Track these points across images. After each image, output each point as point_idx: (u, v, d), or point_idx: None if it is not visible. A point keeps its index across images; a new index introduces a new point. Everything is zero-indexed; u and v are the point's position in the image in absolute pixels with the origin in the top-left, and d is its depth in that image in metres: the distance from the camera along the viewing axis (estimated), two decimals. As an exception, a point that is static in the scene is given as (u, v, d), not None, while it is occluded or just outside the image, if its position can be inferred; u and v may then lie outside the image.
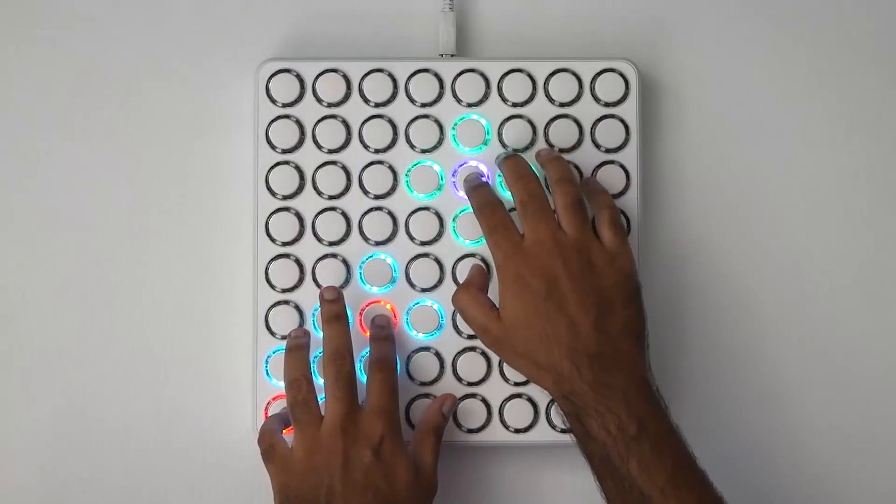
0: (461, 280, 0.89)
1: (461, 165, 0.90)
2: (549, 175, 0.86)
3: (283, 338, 0.88)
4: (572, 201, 0.84)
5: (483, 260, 0.89)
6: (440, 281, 0.90)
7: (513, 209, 0.86)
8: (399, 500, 0.83)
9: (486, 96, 0.90)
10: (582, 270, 0.82)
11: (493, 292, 0.86)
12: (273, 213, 0.89)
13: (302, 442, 0.84)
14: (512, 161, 0.87)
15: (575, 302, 0.82)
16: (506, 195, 0.88)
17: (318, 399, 0.85)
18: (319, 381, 0.86)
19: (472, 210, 0.87)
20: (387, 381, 0.85)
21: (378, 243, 0.90)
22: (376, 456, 0.83)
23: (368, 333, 0.88)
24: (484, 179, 0.89)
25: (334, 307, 0.87)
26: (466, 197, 0.88)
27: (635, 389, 0.81)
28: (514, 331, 0.83)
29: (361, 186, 0.90)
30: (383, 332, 0.88)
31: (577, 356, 0.81)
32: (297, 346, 0.87)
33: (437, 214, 0.90)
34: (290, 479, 0.83)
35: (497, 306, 0.84)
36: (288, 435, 0.86)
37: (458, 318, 0.89)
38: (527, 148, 0.90)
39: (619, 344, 0.82)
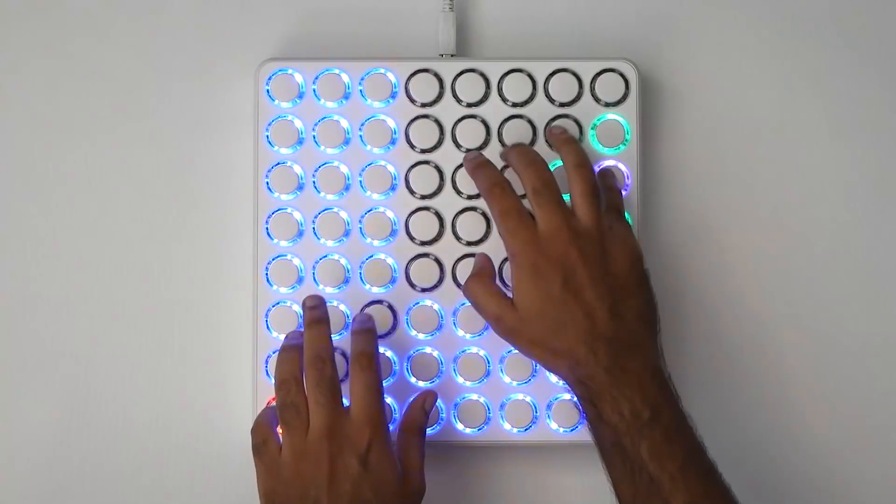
0: (461, 280, 0.89)
1: (461, 166, 0.90)
2: (564, 159, 0.86)
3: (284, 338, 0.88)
4: (590, 189, 0.84)
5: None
6: (440, 281, 0.90)
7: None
8: None
9: (486, 96, 0.90)
10: (597, 258, 0.82)
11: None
12: (273, 213, 0.89)
13: (290, 446, 0.83)
14: (520, 148, 0.87)
15: (591, 290, 0.82)
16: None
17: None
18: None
19: (470, 205, 0.87)
20: (369, 383, 0.84)
21: (378, 243, 0.90)
22: (363, 465, 0.82)
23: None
24: (485, 157, 0.88)
25: (315, 312, 0.86)
26: (470, 176, 0.87)
27: (650, 375, 0.81)
28: (529, 319, 0.83)
29: (361, 186, 0.90)
30: (364, 325, 0.87)
31: (594, 341, 0.81)
32: (289, 347, 0.86)
33: (437, 214, 0.90)
34: (277, 485, 0.83)
35: (508, 294, 0.84)
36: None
37: (458, 318, 0.89)
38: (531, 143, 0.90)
39: (634, 329, 0.82)
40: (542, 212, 0.83)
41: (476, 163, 0.87)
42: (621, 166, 0.89)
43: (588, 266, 0.82)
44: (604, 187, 0.87)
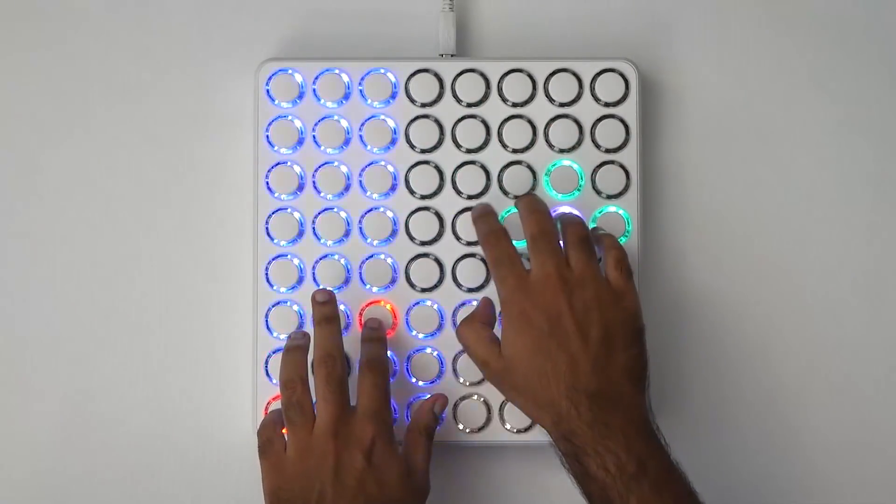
0: (461, 280, 0.89)
1: (462, 166, 0.90)
2: (560, 218, 0.87)
3: (285, 338, 0.88)
4: (581, 238, 0.84)
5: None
6: (440, 281, 0.90)
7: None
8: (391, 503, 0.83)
9: (486, 96, 0.90)
10: (586, 308, 0.82)
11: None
12: (273, 213, 0.89)
13: (295, 444, 0.84)
14: (528, 197, 0.87)
15: (577, 340, 0.81)
16: None
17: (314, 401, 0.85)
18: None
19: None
20: (378, 384, 0.85)
21: (378, 243, 0.90)
22: (368, 460, 0.82)
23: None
24: (492, 210, 0.88)
25: (325, 309, 0.86)
26: (473, 223, 0.88)
27: (634, 429, 0.80)
28: (514, 366, 0.82)
29: (361, 186, 0.90)
30: (375, 334, 0.88)
31: (576, 395, 0.80)
32: (295, 348, 0.86)
33: (437, 214, 0.90)
34: (282, 482, 0.83)
35: (500, 341, 0.84)
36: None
37: (458, 319, 0.89)
38: (527, 148, 0.90)
39: (619, 384, 0.81)
40: (535, 259, 0.83)
41: (479, 213, 0.88)
42: (621, 166, 0.89)
43: (575, 315, 0.82)
44: (597, 237, 0.87)
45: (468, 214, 0.89)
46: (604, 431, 0.79)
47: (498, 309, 0.87)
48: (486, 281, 0.89)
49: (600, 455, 0.79)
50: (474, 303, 0.89)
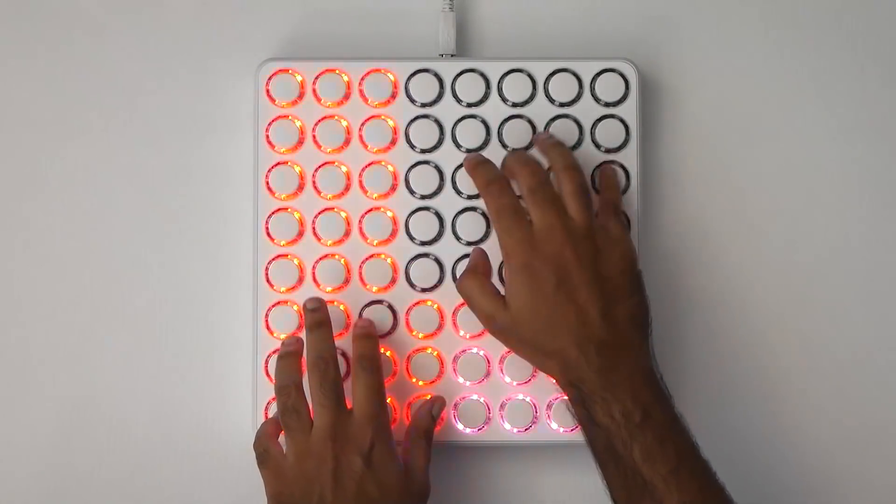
0: (461, 280, 0.89)
1: (461, 167, 0.90)
2: (552, 162, 0.86)
3: (284, 338, 0.88)
4: (578, 187, 0.84)
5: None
6: (440, 281, 0.90)
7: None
8: None
9: (486, 96, 0.90)
10: (591, 259, 0.82)
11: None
12: (273, 213, 0.89)
13: (293, 448, 0.84)
14: (517, 154, 0.87)
15: (584, 290, 0.81)
16: None
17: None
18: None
19: (474, 194, 0.87)
20: (372, 384, 0.85)
21: (378, 243, 0.90)
22: (367, 463, 0.82)
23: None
24: (486, 157, 0.88)
25: (316, 315, 0.86)
26: (469, 175, 0.87)
27: (641, 377, 0.81)
28: (521, 319, 0.82)
29: (361, 186, 0.90)
30: (364, 330, 0.87)
31: (585, 343, 0.81)
32: (287, 354, 0.86)
33: (437, 214, 0.90)
34: (283, 486, 0.83)
35: (502, 293, 0.84)
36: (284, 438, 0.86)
37: (458, 318, 0.89)
38: (527, 148, 0.90)
39: (626, 332, 0.82)
40: (537, 210, 0.83)
41: (475, 161, 0.87)
42: (621, 166, 0.89)
43: (582, 267, 0.82)
44: (603, 185, 0.87)
45: (468, 214, 0.89)
46: (611, 378, 0.80)
47: (495, 261, 0.87)
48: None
49: (607, 402, 0.80)
50: (474, 303, 0.89)
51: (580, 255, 0.82)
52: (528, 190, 0.84)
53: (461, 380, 0.89)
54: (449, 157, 0.90)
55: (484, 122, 0.90)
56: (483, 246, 0.89)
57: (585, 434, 0.82)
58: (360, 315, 0.89)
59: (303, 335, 0.87)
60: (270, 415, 0.88)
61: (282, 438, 0.86)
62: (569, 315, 0.81)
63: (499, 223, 0.84)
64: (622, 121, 0.90)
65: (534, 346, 0.83)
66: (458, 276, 0.88)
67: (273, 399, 0.88)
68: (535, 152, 0.89)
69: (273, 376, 0.86)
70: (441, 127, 0.90)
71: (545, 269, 0.82)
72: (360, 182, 0.90)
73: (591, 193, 0.85)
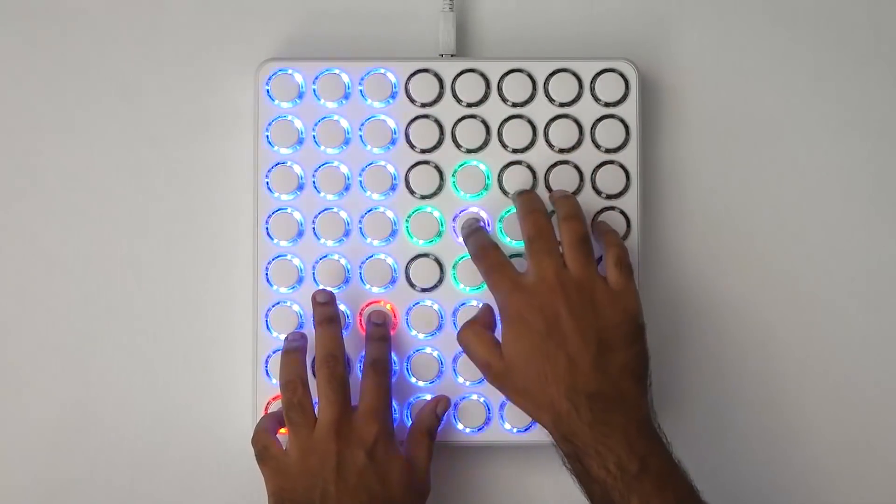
0: (461, 280, 0.89)
1: (462, 166, 0.90)
2: (557, 212, 0.86)
3: (284, 338, 0.88)
4: (579, 238, 0.84)
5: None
6: (440, 281, 0.90)
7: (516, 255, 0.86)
8: (393, 501, 0.83)
9: (486, 96, 0.90)
10: (583, 309, 0.82)
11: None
12: (273, 213, 0.89)
13: (296, 444, 0.84)
14: (525, 196, 0.87)
15: (575, 340, 0.81)
16: (504, 241, 0.89)
17: (314, 401, 0.85)
18: (319, 382, 0.86)
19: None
20: (380, 384, 0.85)
21: (378, 243, 0.90)
22: (370, 458, 0.83)
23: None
24: (480, 224, 0.89)
25: (326, 310, 0.87)
26: (463, 243, 0.88)
27: (636, 428, 0.80)
28: (514, 368, 0.82)
29: (361, 186, 0.90)
30: (379, 332, 0.88)
31: (576, 396, 0.80)
32: (293, 349, 0.86)
33: (438, 214, 0.90)
34: (285, 482, 0.83)
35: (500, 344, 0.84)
36: (282, 436, 0.86)
37: (458, 319, 0.89)
38: (527, 148, 0.90)
39: (619, 384, 0.81)
40: (532, 260, 0.84)
41: (468, 230, 0.88)
42: (621, 166, 0.89)
43: (573, 316, 0.81)
44: (599, 233, 0.87)
45: (468, 214, 0.89)
46: (604, 431, 0.79)
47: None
48: (486, 281, 0.89)
49: (601, 455, 0.79)
50: (474, 303, 0.89)
51: (572, 304, 0.82)
52: (528, 239, 0.84)
53: (461, 380, 0.89)
54: (449, 157, 0.90)
55: (484, 122, 0.90)
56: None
57: (583, 488, 0.81)
58: (360, 315, 0.89)
59: (308, 328, 0.88)
60: (265, 415, 0.88)
61: (281, 436, 0.86)
62: (559, 365, 0.81)
63: (489, 280, 0.85)
64: (622, 121, 0.90)
65: (526, 397, 0.83)
66: (462, 280, 0.88)
67: (273, 399, 0.88)
68: (540, 145, 0.89)
69: (278, 371, 0.86)
70: (441, 127, 0.90)
71: (536, 319, 0.82)
72: (360, 182, 0.90)
73: (591, 245, 0.85)
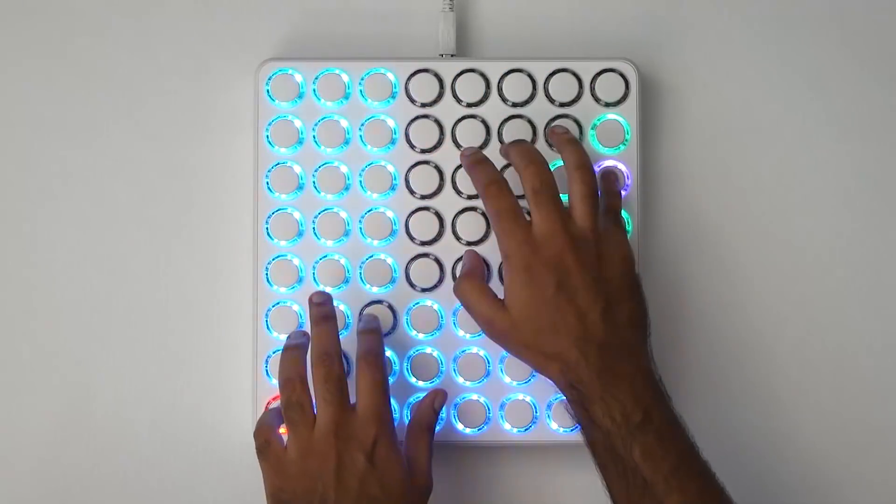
0: (461, 280, 0.89)
1: (461, 167, 0.89)
2: (566, 159, 0.86)
3: (285, 338, 0.88)
4: (589, 192, 0.84)
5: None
6: (440, 281, 0.90)
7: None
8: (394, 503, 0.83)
9: (486, 96, 0.90)
10: (592, 262, 0.82)
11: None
12: (273, 213, 0.89)
13: (296, 443, 0.83)
14: (521, 146, 0.86)
15: (585, 293, 0.81)
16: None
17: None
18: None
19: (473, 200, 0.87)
20: (376, 380, 0.84)
21: (378, 243, 0.90)
22: (369, 461, 0.82)
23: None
24: (484, 154, 0.88)
25: (322, 309, 0.86)
26: (467, 172, 0.87)
27: (641, 378, 0.81)
28: (521, 322, 0.82)
29: (361, 186, 0.90)
30: (370, 325, 0.87)
31: (586, 345, 0.81)
32: (293, 347, 0.86)
33: (437, 214, 0.90)
34: (284, 483, 0.83)
35: (499, 296, 0.84)
36: (284, 434, 0.86)
37: (458, 318, 0.89)
38: (533, 139, 0.90)
39: (625, 333, 0.82)
40: (538, 213, 0.83)
41: (473, 159, 0.87)
42: (621, 166, 0.89)
43: (582, 270, 0.82)
44: (603, 189, 0.87)
45: (468, 214, 0.89)
46: (611, 380, 0.80)
47: (493, 265, 0.87)
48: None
49: (607, 403, 0.80)
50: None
51: (581, 258, 0.82)
52: (532, 190, 0.84)
53: (461, 380, 0.89)
54: (449, 157, 0.90)
55: (484, 122, 0.90)
56: (483, 247, 0.89)
57: (585, 436, 0.82)
58: (360, 315, 0.89)
59: (308, 326, 0.87)
60: (269, 408, 0.88)
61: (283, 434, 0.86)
62: (569, 317, 0.81)
63: (499, 225, 0.84)
64: (622, 121, 0.90)
65: (534, 349, 0.83)
66: (457, 280, 0.88)
67: (273, 399, 0.88)
68: (541, 145, 0.89)
69: (278, 369, 0.85)
70: (441, 127, 0.90)
71: (546, 272, 0.82)
72: (360, 182, 0.90)
73: (599, 197, 0.85)
